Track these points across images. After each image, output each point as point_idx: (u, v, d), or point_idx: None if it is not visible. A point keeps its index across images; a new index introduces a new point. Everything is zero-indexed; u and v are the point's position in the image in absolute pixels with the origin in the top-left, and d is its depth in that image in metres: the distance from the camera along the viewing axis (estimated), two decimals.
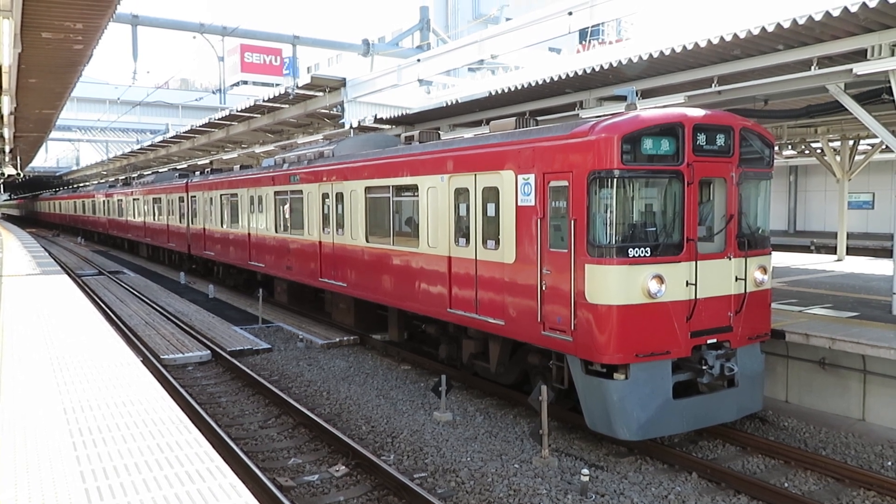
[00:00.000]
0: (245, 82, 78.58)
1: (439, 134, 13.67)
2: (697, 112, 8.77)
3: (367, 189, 13.60)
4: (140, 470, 4.40)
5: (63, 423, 5.35)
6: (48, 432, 5.12)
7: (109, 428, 5.21)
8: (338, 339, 15.29)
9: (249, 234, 20.32)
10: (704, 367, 8.63)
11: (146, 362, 12.94)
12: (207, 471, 4.37)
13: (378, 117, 19.41)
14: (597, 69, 12.32)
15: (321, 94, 20.52)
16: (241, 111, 23.87)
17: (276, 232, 18.33)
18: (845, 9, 9.03)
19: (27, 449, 4.77)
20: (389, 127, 19.99)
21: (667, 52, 11.07)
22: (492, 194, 10.03)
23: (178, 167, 39.97)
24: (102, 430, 5.17)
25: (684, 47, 10.82)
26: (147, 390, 6.20)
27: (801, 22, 9.47)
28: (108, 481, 4.23)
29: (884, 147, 19.06)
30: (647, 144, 8.30)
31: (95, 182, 59.09)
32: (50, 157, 67.87)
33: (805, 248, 29.53)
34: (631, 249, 8.24)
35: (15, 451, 4.72)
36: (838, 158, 19.06)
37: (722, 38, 10.33)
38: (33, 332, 8.82)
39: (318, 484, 8.04)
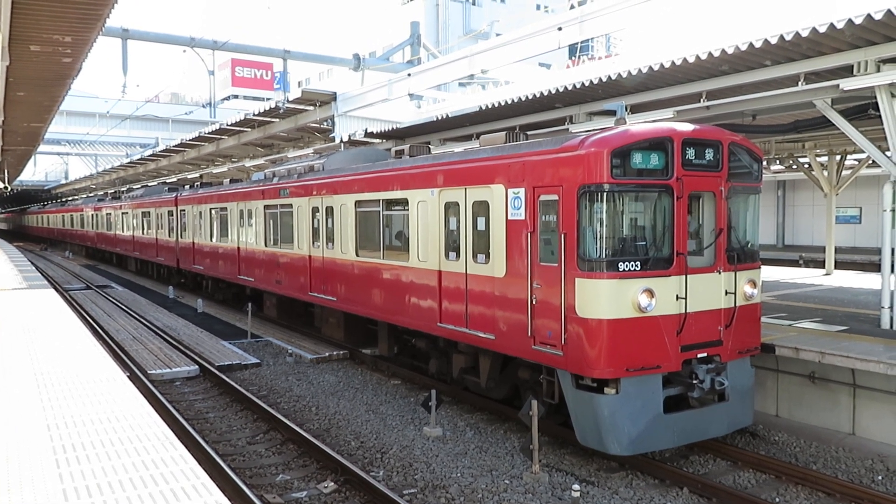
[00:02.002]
0: (236, 96, 78.58)
1: (429, 148, 13.68)
2: (686, 127, 8.82)
3: (357, 203, 13.57)
4: (124, 487, 4.32)
5: (46, 439, 5.26)
6: (31, 449, 5.03)
7: (94, 445, 5.12)
8: (327, 354, 15.20)
9: (239, 248, 20.23)
10: (695, 382, 8.61)
11: (133, 378, 12.80)
12: (193, 488, 4.30)
13: (368, 131, 19.44)
14: (586, 84, 12.40)
15: (312, 108, 20.56)
16: (232, 125, 23.86)
17: (266, 246, 18.26)
18: (832, 25, 9.14)
19: (9, 467, 4.69)
20: (380, 141, 20.03)
21: (656, 68, 11.16)
22: (482, 208, 10.03)
23: (168, 181, 39.87)
24: (87, 446, 5.09)
25: (673, 63, 10.92)
26: (133, 406, 6.12)
27: (788, 38, 9.57)
28: (91, 499, 4.15)
29: (870, 162, 19.21)
30: (637, 159, 8.33)
31: (84, 196, 58.84)
32: (38, 170, 67.60)
33: (794, 263, 29.69)
34: (621, 263, 8.25)
35: None
36: (826, 173, 19.20)
37: (710, 54, 10.43)
38: (18, 347, 8.71)
39: (306, 501, 7.95)
